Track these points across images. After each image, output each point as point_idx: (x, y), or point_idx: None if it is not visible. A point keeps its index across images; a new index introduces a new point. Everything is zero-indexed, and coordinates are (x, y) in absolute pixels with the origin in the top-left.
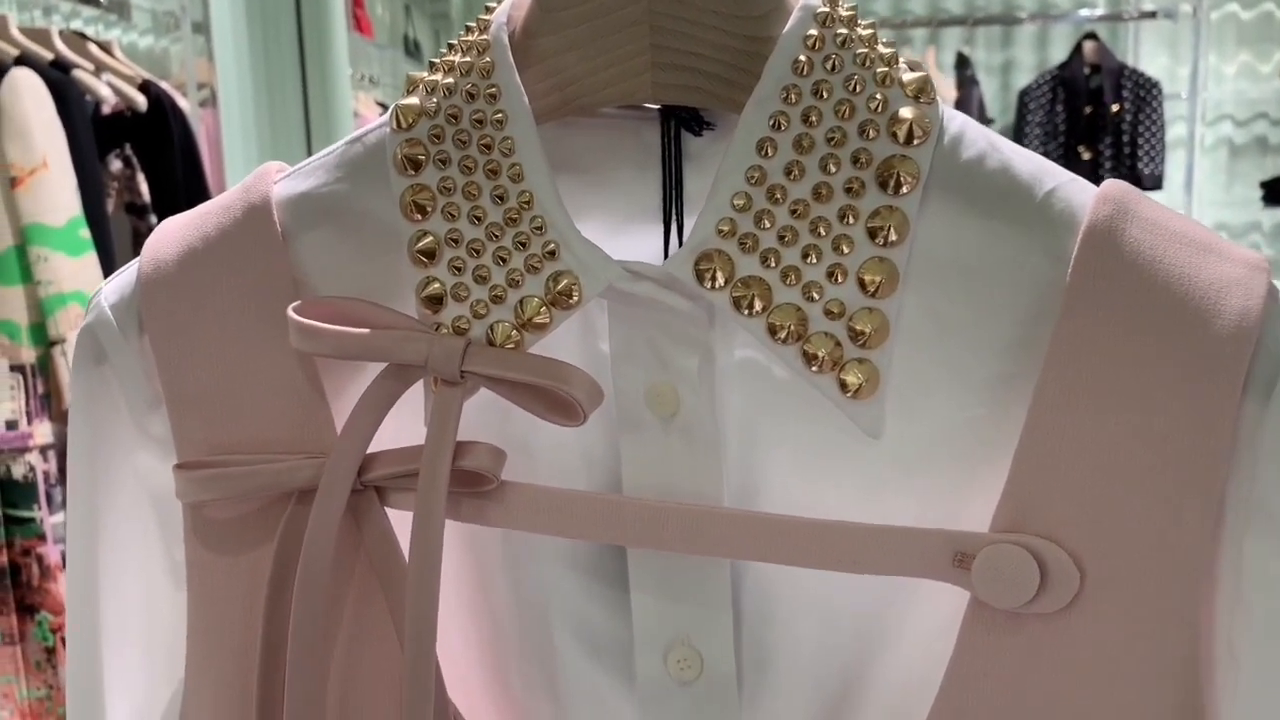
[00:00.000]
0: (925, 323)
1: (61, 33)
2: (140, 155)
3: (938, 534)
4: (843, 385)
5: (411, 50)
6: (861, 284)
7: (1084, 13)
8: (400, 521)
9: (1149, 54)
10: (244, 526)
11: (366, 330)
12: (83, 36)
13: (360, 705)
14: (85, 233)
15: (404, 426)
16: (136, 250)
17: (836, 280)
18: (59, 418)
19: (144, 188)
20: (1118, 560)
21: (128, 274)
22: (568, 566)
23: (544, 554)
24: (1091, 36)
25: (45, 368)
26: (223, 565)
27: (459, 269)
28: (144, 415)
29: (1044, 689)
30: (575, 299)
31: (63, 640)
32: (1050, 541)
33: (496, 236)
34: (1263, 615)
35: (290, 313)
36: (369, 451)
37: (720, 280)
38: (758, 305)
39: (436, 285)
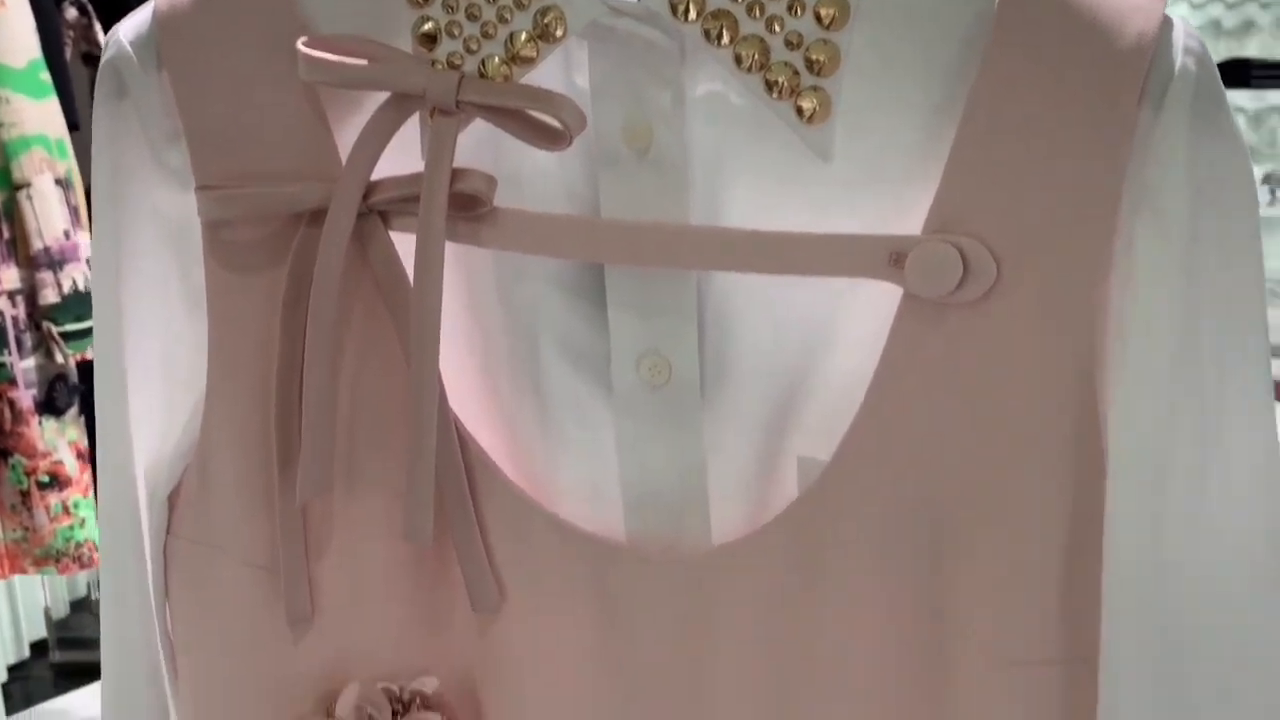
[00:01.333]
0: (872, 54)
1: None
2: (96, 3)
3: (876, 238)
4: (799, 111)
5: None
6: (818, 17)
7: None
8: (401, 244)
9: None
10: (259, 248)
11: (370, 62)
12: None
13: (369, 411)
14: (46, 76)
15: (401, 165)
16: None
17: (795, 14)
18: (25, 263)
19: (100, 37)
20: (1030, 252)
21: (142, 14)
22: (552, 286)
23: (531, 274)
24: None
25: (10, 212)
26: (240, 285)
27: (452, 7)
28: (163, 148)
29: (966, 371)
30: (560, 33)
31: (37, 484)
32: (972, 238)
33: None
34: (1146, 292)
35: (299, 46)
36: (371, 179)
37: (693, 13)
38: (725, 37)
39: (431, 24)
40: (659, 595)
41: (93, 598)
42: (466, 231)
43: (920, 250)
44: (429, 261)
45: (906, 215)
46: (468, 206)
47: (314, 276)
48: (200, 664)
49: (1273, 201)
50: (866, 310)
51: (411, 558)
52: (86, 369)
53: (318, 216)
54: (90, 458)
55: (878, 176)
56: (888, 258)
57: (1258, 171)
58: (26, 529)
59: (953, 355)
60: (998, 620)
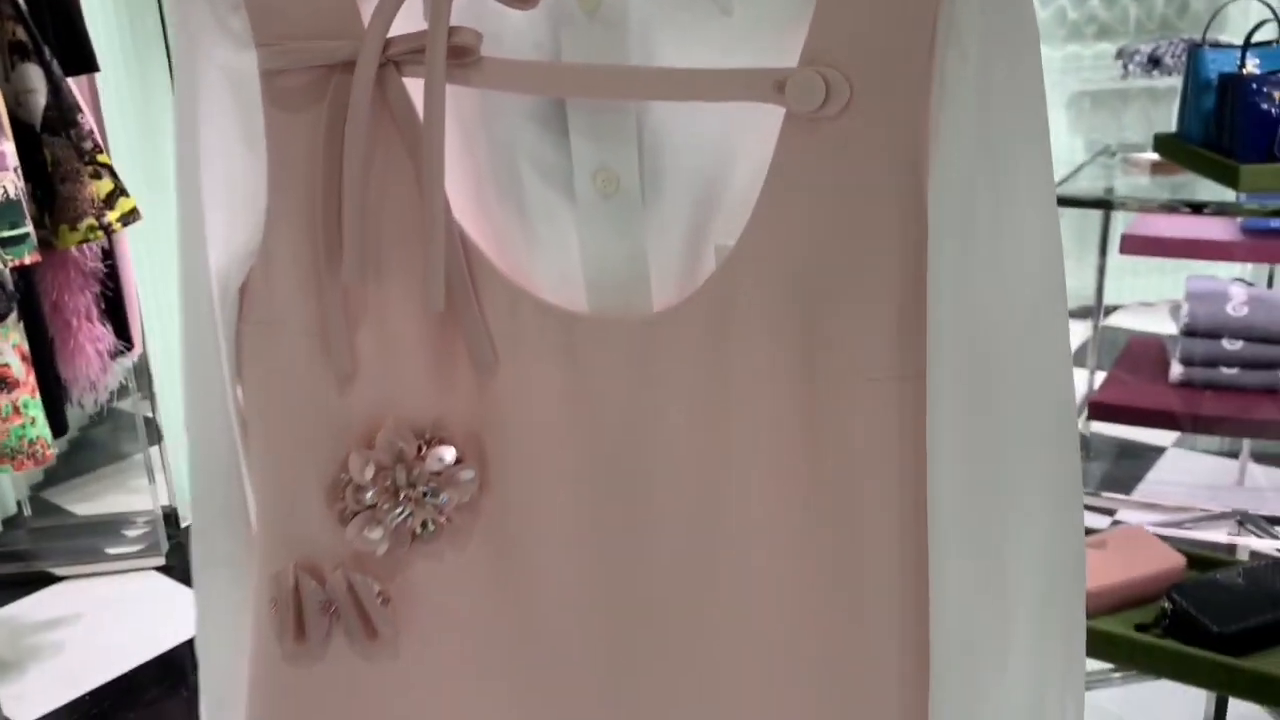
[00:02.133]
0: None
1: None
2: None
3: (764, 70)
4: None
5: None
6: None
7: None
8: (412, 88)
9: None
10: (304, 91)
11: None
12: None
13: (393, 217)
14: None
15: (409, 26)
16: None
17: None
18: None
19: None
20: (873, 77)
21: None
22: (527, 118)
23: (510, 110)
24: None
25: None
26: (291, 120)
27: None
28: (226, 15)
29: (832, 168)
30: None
31: None
32: (831, 67)
33: None
34: (951, 105)
35: None
36: (387, 37)
37: None
38: None
39: None
40: (614, 349)
41: (25, 514)
42: (460, 76)
43: (795, 78)
44: (434, 98)
45: (787, 53)
46: (461, 56)
47: (347, 113)
48: (267, 422)
49: (1125, 75)
50: (761, 128)
51: (428, 329)
52: (22, 275)
53: (348, 66)
54: (33, 360)
55: (766, 25)
56: (773, 85)
57: (1112, 48)
58: None
59: (822, 157)
60: (859, 349)
